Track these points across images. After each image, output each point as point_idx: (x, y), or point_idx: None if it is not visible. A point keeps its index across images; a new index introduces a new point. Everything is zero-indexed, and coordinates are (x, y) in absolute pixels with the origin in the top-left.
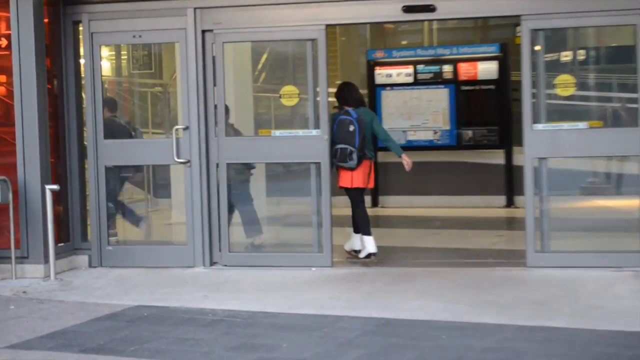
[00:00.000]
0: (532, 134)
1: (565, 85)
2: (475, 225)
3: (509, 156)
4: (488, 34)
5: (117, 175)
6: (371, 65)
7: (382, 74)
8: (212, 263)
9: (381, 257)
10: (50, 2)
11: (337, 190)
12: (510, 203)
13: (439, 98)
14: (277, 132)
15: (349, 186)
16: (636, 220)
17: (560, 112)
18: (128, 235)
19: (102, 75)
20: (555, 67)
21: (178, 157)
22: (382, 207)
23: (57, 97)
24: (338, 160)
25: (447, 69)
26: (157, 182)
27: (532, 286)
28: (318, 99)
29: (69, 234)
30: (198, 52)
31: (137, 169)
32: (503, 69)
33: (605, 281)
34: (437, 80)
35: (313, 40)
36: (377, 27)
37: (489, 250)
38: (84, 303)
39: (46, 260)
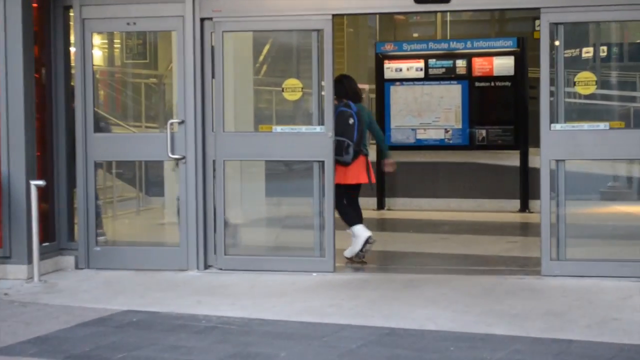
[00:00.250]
0: (549, 134)
1: (585, 83)
2: (486, 230)
3: (524, 157)
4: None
5: None
6: (380, 59)
7: (391, 68)
8: (206, 266)
9: (386, 263)
10: None
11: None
12: (524, 207)
13: (452, 95)
14: (279, 128)
15: (341, 182)
16: None
17: (580, 112)
18: (117, 236)
19: (93, 65)
20: (576, 64)
21: (172, 153)
22: (389, 209)
23: (45, 87)
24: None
25: (461, 64)
26: (150, 179)
27: (546, 296)
28: (323, 93)
29: (55, 233)
30: (196, 42)
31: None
32: (520, 65)
33: (623, 292)
34: (449, 75)
35: (318, 30)
36: (387, 18)
37: (501, 257)
38: (69, 307)
39: (30, 260)
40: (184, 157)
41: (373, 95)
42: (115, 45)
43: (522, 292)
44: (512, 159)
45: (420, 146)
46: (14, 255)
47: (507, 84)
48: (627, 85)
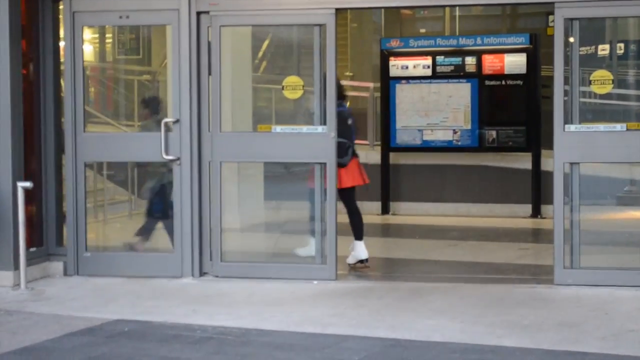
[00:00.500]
0: (563, 135)
1: (601, 81)
2: (497, 236)
3: (536, 160)
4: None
5: None
6: (385, 56)
7: (397, 66)
8: (202, 273)
9: (391, 271)
10: None
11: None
12: (536, 213)
13: (460, 94)
14: (279, 128)
15: (338, 187)
16: None
17: (596, 112)
18: (108, 241)
19: (83, 60)
20: (591, 62)
21: (167, 154)
22: (394, 214)
23: (33, 83)
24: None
25: (470, 61)
26: (143, 181)
27: (559, 306)
28: (325, 91)
29: (43, 237)
30: (192, 37)
31: None
32: (532, 63)
33: None
34: (458, 73)
35: (321, 25)
36: (393, 13)
37: (512, 265)
38: (57, 316)
39: (16, 266)
40: (178, 158)
41: (378, 94)
42: (107, 40)
43: (534, 302)
44: (523, 161)
45: (427, 148)
46: (0, 261)
47: (519, 82)
48: None
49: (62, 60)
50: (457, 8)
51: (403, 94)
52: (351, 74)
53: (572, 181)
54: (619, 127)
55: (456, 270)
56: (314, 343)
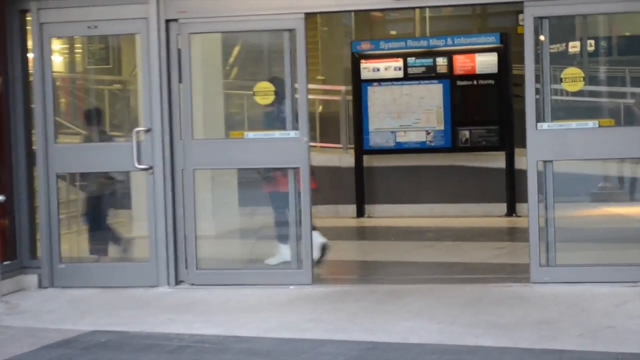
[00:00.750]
0: (535, 134)
1: (573, 79)
2: (472, 236)
3: (510, 159)
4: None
5: None
6: (356, 59)
7: (368, 68)
8: (177, 282)
9: (368, 273)
10: None
11: (318, 199)
12: (512, 211)
13: (432, 95)
14: (251, 134)
15: (275, 190)
16: None
17: (568, 110)
18: (83, 252)
19: (52, 71)
20: (562, 59)
21: (139, 163)
22: (369, 217)
23: (2, 96)
24: None
25: (441, 62)
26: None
27: (536, 304)
28: (297, 96)
29: (16, 250)
30: (161, 45)
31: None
32: (503, 62)
33: (617, 298)
34: (430, 74)
35: (291, 30)
36: (363, 16)
37: (488, 265)
38: (32, 329)
39: None
40: (151, 167)
41: (350, 97)
42: (76, 51)
43: (511, 301)
44: (497, 160)
45: (401, 150)
46: None
47: (491, 82)
48: (616, 81)
49: (30, 71)
50: (427, 9)
51: (375, 97)
52: (323, 77)
53: (546, 179)
54: (591, 124)
55: (433, 271)
56: (292, 349)
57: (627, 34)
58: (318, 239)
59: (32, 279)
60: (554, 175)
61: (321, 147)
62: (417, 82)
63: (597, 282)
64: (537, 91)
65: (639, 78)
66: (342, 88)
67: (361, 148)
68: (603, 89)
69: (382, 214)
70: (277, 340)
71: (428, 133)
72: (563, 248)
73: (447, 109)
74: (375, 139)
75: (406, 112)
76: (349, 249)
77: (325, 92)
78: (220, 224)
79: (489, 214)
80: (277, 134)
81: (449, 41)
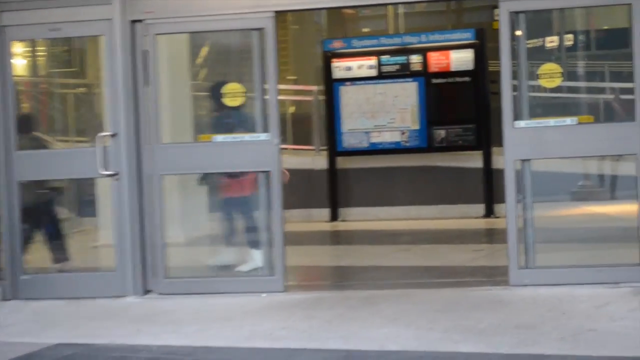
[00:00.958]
0: (513, 132)
1: (550, 75)
2: (449, 239)
3: (487, 158)
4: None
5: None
6: (328, 57)
7: (340, 67)
8: (145, 291)
9: (342, 279)
10: None
11: (290, 203)
12: (490, 212)
13: (407, 93)
14: (220, 137)
15: (239, 195)
16: (634, 229)
17: (546, 107)
18: (47, 263)
19: (13, 76)
20: (539, 55)
21: (105, 169)
22: (343, 220)
23: None
24: None
25: (416, 59)
26: (81, 198)
27: (516, 308)
28: (267, 97)
29: None
30: (126, 46)
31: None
32: (480, 59)
33: (599, 300)
34: (404, 72)
35: (260, 29)
36: (335, 14)
37: (466, 268)
38: None
39: None
40: (117, 173)
41: (322, 97)
42: (39, 54)
43: (490, 305)
44: (474, 160)
45: (375, 150)
46: None
47: (467, 79)
48: (595, 76)
49: None
50: (401, 6)
51: (348, 96)
52: (294, 77)
53: (524, 178)
54: (569, 121)
55: (409, 275)
56: (265, 358)
57: (606, 27)
58: (259, 261)
59: None
60: (532, 175)
61: (293, 149)
62: (391, 80)
63: (578, 284)
64: (514, 88)
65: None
66: (314, 88)
67: (334, 150)
68: (582, 84)
69: (357, 218)
70: (249, 350)
71: (403, 133)
72: (543, 249)
73: (422, 107)
74: (348, 140)
75: (380, 111)
76: (323, 254)
77: (297, 92)
78: (189, 230)
79: (467, 216)
80: (247, 137)
81: (424, 38)
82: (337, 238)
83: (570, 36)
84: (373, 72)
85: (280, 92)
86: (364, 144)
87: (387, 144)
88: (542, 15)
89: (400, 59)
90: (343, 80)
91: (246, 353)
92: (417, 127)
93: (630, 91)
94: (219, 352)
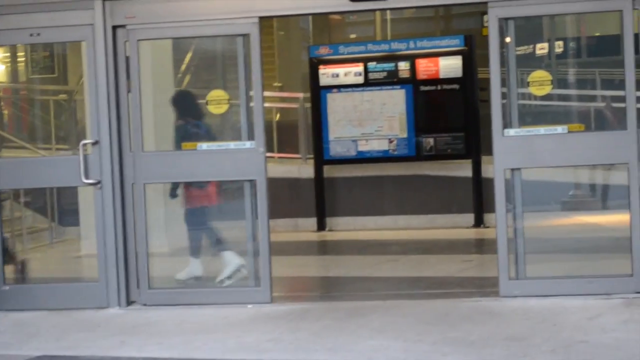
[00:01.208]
0: (502, 140)
1: (540, 83)
2: (439, 249)
3: (477, 167)
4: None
5: None
6: (314, 64)
7: (327, 74)
8: (129, 302)
9: (329, 290)
10: None
11: (277, 212)
12: (479, 222)
13: (395, 101)
14: (204, 145)
15: (207, 204)
16: (626, 239)
17: (536, 115)
18: (28, 273)
19: None
20: (529, 62)
21: (87, 177)
22: (330, 230)
23: None
24: None
25: (404, 66)
26: (63, 207)
27: (506, 319)
28: (252, 104)
29: None
30: (108, 52)
31: None
32: (468, 66)
33: (590, 311)
34: (392, 79)
35: (244, 35)
36: (321, 19)
37: (455, 279)
38: None
39: None
40: (99, 182)
41: (308, 105)
42: (19, 59)
43: (480, 316)
44: (463, 169)
45: (363, 159)
46: None
47: (455, 86)
48: (586, 84)
49: None
50: (388, 12)
51: (335, 104)
52: (279, 84)
53: (514, 188)
54: (560, 129)
55: (397, 286)
56: None
57: (597, 34)
58: (234, 259)
59: None
60: (522, 184)
61: (279, 157)
62: (379, 87)
63: (569, 295)
64: (504, 96)
65: (610, 80)
66: (301, 95)
67: (321, 158)
68: (572, 92)
69: (344, 227)
70: None
71: (391, 141)
72: (533, 260)
73: (410, 115)
74: (335, 149)
75: (368, 119)
76: (310, 265)
77: (283, 99)
78: (173, 240)
79: (456, 225)
80: (231, 144)
81: (412, 44)
82: (324, 248)
83: (561, 43)
84: (360, 79)
85: (266, 99)
86: (351, 153)
87: (374, 152)
88: (532, 22)
89: (388, 65)
90: (330, 87)
91: None
92: (405, 135)
93: (621, 99)
94: None
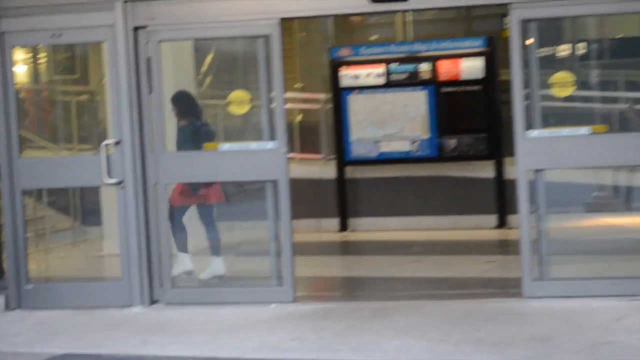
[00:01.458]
0: (525, 141)
1: (562, 84)
2: (462, 250)
3: (499, 168)
4: (472, 26)
5: None
6: (335, 65)
7: (348, 75)
8: (152, 301)
9: (352, 290)
10: None
11: (299, 213)
12: (502, 223)
13: (416, 102)
14: (226, 146)
15: (214, 202)
16: None
17: (558, 116)
18: (52, 272)
19: (15, 83)
20: (551, 64)
21: (109, 177)
22: (353, 230)
23: None
24: None
25: (425, 67)
26: (85, 207)
27: (529, 320)
28: (273, 105)
29: None
30: (129, 53)
31: None
32: (490, 67)
33: (615, 312)
34: (413, 81)
35: (265, 36)
36: (342, 20)
37: (478, 279)
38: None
39: None
40: (122, 182)
41: (329, 106)
42: (40, 60)
43: (503, 317)
44: (486, 170)
45: (385, 160)
46: None
47: (477, 87)
48: (609, 85)
49: None
50: (410, 13)
51: (356, 105)
52: (301, 85)
53: (537, 189)
54: (583, 130)
55: (421, 287)
56: None
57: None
58: (188, 264)
59: None
60: (545, 185)
61: (300, 158)
62: (400, 89)
63: (594, 296)
64: (526, 97)
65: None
66: (322, 96)
67: (343, 159)
68: (595, 93)
69: (367, 228)
70: None
71: (413, 142)
72: (557, 261)
73: (432, 116)
74: (357, 149)
75: (389, 120)
76: (332, 265)
77: (304, 100)
78: (196, 239)
79: (479, 226)
80: (253, 145)
81: (433, 46)
82: (346, 248)
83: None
84: (381, 81)
85: (287, 100)
86: (373, 153)
87: (396, 154)
88: (554, 24)
89: (409, 67)
90: (351, 89)
91: None
92: (427, 136)
93: None
94: None
